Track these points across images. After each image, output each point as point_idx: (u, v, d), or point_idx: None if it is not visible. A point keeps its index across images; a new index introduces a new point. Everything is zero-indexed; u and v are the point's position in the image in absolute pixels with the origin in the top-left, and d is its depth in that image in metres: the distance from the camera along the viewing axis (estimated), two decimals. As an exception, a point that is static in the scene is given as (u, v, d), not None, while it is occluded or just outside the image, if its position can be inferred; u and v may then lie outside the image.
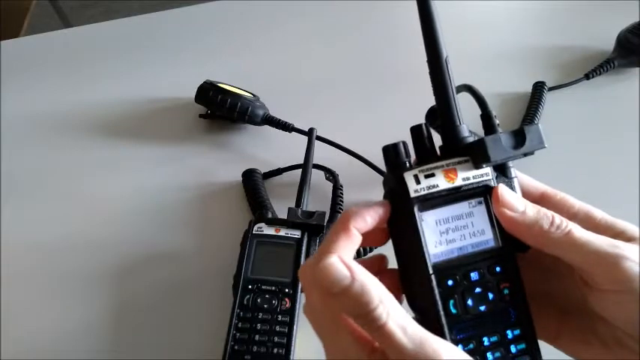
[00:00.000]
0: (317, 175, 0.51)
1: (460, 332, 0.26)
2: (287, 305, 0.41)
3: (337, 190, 0.50)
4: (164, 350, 0.43)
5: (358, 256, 0.46)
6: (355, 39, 0.69)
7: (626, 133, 0.55)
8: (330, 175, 0.51)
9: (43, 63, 0.70)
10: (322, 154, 0.52)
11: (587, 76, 0.59)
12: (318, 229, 0.44)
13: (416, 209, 0.26)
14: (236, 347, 0.39)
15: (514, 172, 0.28)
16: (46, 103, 0.64)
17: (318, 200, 0.50)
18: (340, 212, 0.48)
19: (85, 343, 0.44)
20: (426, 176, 0.26)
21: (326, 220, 0.44)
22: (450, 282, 0.26)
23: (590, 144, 0.54)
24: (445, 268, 0.26)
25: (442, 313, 0.26)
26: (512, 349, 0.26)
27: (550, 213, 0.26)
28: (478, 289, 0.26)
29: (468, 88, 0.30)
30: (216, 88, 0.57)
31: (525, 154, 0.26)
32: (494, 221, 0.27)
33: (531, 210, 0.26)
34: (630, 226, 0.26)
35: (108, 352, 0.43)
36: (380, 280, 0.27)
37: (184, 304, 0.46)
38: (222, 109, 0.56)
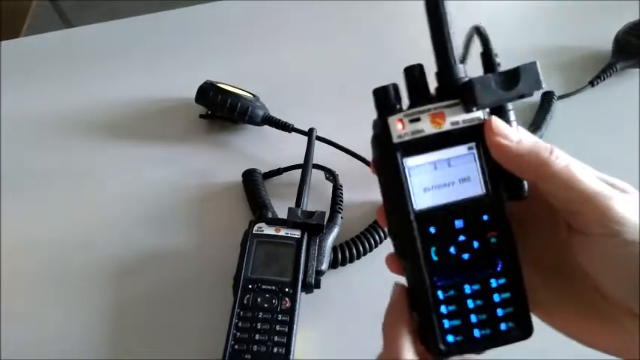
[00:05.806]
0: (317, 175, 0.51)
1: (441, 279, 0.25)
2: (287, 305, 0.41)
3: (337, 190, 0.50)
4: (164, 350, 0.43)
5: (350, 250, 0.46)
6: (356, 39, 0.69)
7: (629, 133, 0.55)
8: (330, 175, 0.51)
9: (43, 63, 0.70)
10: (322, 154, 0.52)
11: (591, 83, 0.59)
12: (318, 228, 0.44)
13: (399, 155, 0.25)
14: (236, 347, 0.39)
15: (513, 115, 0.26)
16: (46, 103, 0.64)
17: (318, 200, 0.50)
18: (340, 212, 0.48)
19: (85, 343, 0.44)
20: (411, 121, 0.25)
21: (326, 220, 0.44)
22: (432, 229, 0.25)
23: (596, 148, 0.54)
24: (428, 216, 0.25)
25: (423, 260, 0.25)
26: (496, 297, 0.26)
27: (549, 145, 0.25)
28: (462, 237, 0.26)
29: (476, 29, 0.28)
30: (216, 89, 0.57)
31: (521, 97, 0.24)
32: (484, 167, 0.26)
33: (528, 140, 0.25)
34: (620, 181, 0.25)
35: (108, 352, 0.43)
36: None
37: (184, 304, 0.46)
38: (222, 110, 0.56)
